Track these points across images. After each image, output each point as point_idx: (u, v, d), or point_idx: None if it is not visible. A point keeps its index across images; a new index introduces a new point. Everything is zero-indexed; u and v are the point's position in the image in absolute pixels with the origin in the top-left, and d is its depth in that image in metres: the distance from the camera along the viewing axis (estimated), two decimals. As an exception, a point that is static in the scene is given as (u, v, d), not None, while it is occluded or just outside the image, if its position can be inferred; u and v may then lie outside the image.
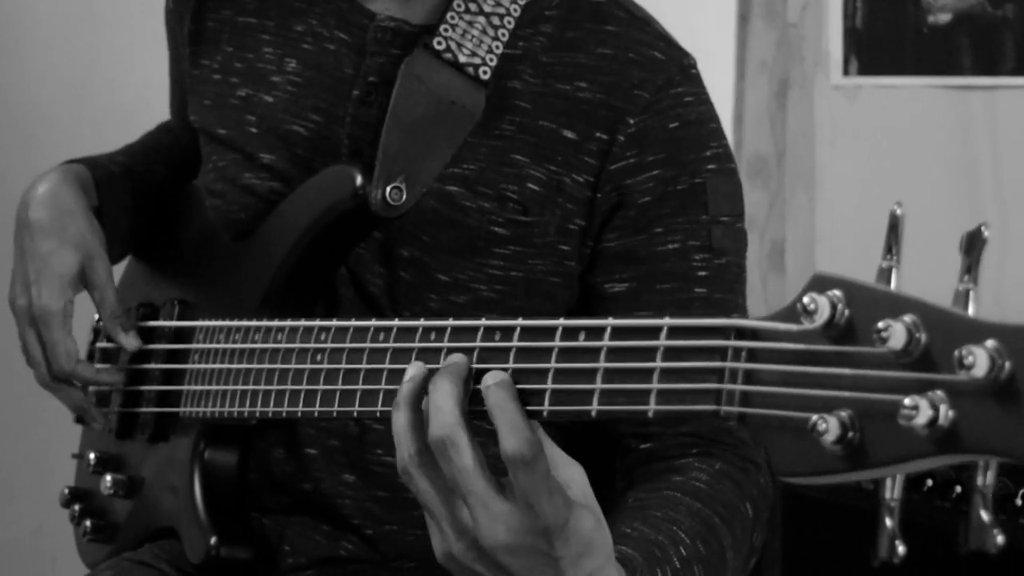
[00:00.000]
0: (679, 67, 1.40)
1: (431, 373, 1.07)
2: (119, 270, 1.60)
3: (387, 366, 1.17)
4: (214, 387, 1.40)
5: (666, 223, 1.37)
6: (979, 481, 0.84)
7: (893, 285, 0.88)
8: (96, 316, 1.57)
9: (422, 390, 1.06)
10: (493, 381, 1.03)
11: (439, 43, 1.38)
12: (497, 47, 1.39)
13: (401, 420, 1.06)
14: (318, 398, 1.24)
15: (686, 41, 1.46)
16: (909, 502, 1.94)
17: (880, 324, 0.83)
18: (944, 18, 2.61)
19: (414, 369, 1.08)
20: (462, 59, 1.38)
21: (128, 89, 2.59)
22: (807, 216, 2.67)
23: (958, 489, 1.91)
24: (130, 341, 1.51)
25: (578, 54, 1.40)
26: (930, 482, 1.94)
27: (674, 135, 1.38)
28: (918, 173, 2.62)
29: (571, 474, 1.05)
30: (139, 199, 1.60)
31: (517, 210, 1.38)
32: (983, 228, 0.86)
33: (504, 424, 1.01)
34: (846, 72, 2.68)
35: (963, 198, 2.57)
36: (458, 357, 1.07)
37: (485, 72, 1.38)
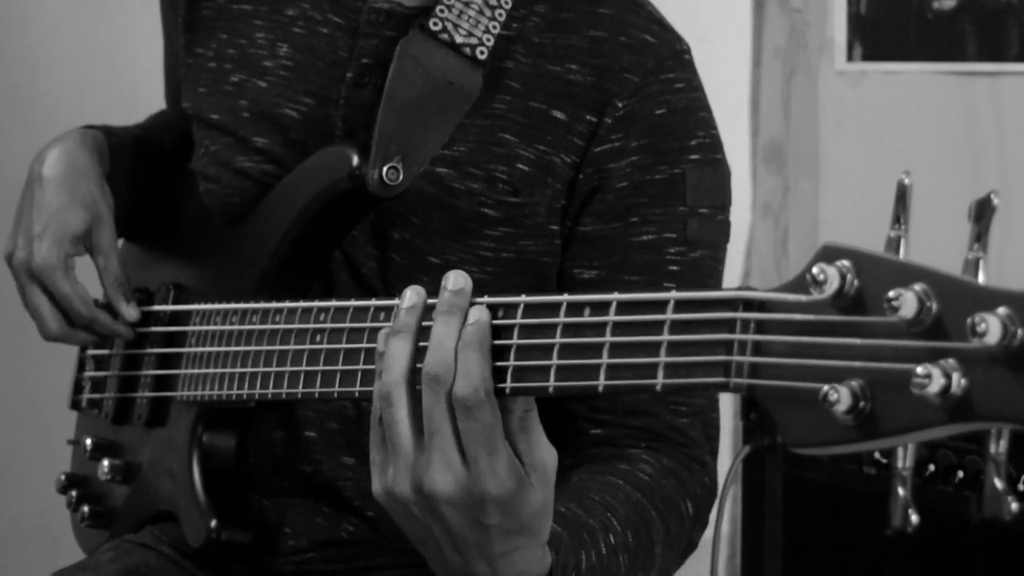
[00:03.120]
0: (671, 51, 1.39)
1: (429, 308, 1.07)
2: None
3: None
4: (212, 370, 1.39)
5: (642, 213, 1.37)
6: (992, 449, 0.83)
7: (902, 254, 0.88)
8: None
9: (422, 319, 1.07)
10: (470, 319, 1.04)
11: (435, 24, 1.38)
12: (494, 27, 1.38)
13: (401, 347, 1.06)
14: (318, 379, 1.24)
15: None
16: (912, 487, 1.94)
17: (891, 293, 0.83)
18: (948, 4, 2.61)
19: (416, 296, 1.07)
20: (459, 39, 1.37)
21: (130, 76, 2.59)
22: (811, 202, 2.66)
23: (960, 474, 1.90)
24: (130, 311, 1.50)
25: (571, 36, 1.39)
26: (932, 467, 1.94)
27: (659, 122, 1.37)
28: (922, 159, 2.61)
29: (543, 457, 1.05)
30: (148, 171, 1.60)
31: (507, 191, 1.37)
32: (992, 196, 0.86)
33: (462, 364, 1.03)
34: (850, 58, 2.67)
35: (967, 184, 2.56)
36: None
37: (482, 52, 1.37)
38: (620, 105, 1.36)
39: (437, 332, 1.04)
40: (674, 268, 1.36)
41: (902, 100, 2.64)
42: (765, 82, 2.71)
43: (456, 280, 1.06)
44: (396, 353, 1.06)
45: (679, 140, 1.38)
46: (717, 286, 1.41)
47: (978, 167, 2.58)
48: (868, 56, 2.67)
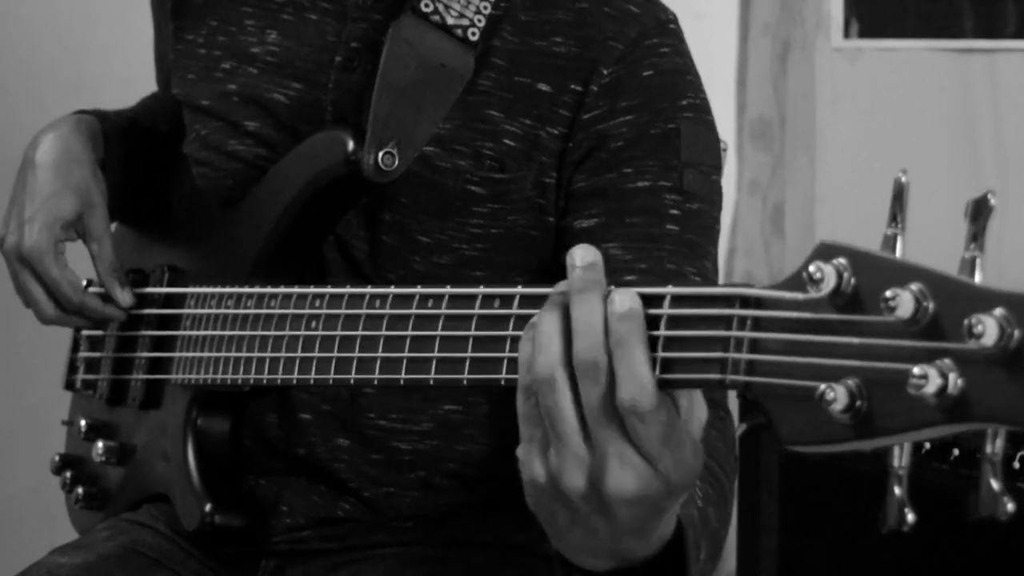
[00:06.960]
0: (655, 21, 1.40)
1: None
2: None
3: (384, 333, 1.16)
4: (206, 354, 1.39)
5: (636, 164, 1.36)
6: (988, 449, 0.83)
7: (899, 253, 0.87)
8: (84, 282, 1.56)
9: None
10: (620, 309, 0.92)
11: (426, 6, 1.38)
12: (485, 7, 1.38)
13: (554, 324, 0.94)
14: (313, 365, 1.23)
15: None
16: (908, 479, 1.94)
17: (888, 293, 0.82)
18: (945, -19, 2.61)
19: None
20: (450, 21, 1.37)
21: (124, 52, 2.57)
22: (807, 178, 2.66)
23: (956, 452, 1.91)
24: (124, 297, 1.50)
25: (556, 11, 1.40)
26: (928, 445, 1.94)
27: (649, 83, 1.37)
28: (918, 136, 2.61)
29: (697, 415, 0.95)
30: (141, 155, 1.60)
31: (494, 167, 1.37)
32: (989, 196, 0.85)
33: (622, 365, 0.91)
34: (847, 34, 2.67)
35: (963, 161, 2.56)
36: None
37: (474, 33, 1.38)
38: (606, 72, 1.37)
39: (580, 315, 0.92)
40: (675, 212, 1.36)
41: (899, 77, 2.64)
42: (753, 59, 2.71)
43: (585, 255, 0.93)
44: (549, 329, 0.93)
45: (670, 99, 1.38)
46: (714, 245, 1.41)
47: (974, 143, 2.58)
48: (865, 33, 2.66)
